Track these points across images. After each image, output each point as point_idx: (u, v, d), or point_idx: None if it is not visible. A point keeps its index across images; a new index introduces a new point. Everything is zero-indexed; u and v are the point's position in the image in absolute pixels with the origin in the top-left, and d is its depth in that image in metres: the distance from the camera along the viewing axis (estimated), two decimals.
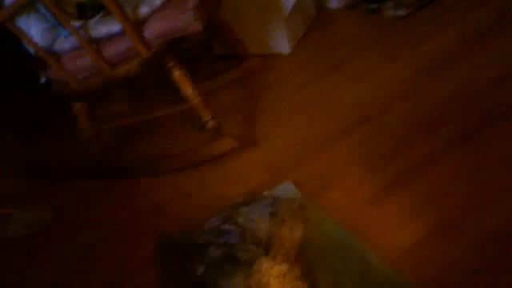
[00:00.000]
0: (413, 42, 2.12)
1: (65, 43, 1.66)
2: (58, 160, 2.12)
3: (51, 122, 2.40)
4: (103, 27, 1.62)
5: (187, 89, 1.69)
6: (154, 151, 2.02)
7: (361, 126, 1.77)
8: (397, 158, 1.59)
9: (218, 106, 1.95)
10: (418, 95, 1.82)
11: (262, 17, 2.30)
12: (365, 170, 1.59)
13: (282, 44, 2.35)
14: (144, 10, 1.60)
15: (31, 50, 1.67)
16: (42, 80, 1.78)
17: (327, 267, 1.28)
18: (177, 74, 1.67)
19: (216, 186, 1.74)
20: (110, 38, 1.61)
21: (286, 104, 2.04)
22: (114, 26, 1.59)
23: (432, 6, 2.30)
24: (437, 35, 2.11)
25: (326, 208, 1.48)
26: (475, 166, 1.48)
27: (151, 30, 1.57)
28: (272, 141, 1.86)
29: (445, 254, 1.26)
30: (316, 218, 1.42)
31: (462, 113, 1.68)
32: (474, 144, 1.55)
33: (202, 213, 1.52)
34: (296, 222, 1.28)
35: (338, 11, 2.59)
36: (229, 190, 1.69)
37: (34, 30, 1.64)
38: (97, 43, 1.62)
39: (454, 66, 1.90)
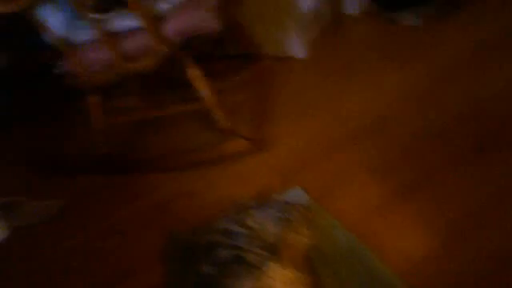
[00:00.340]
0: (428, 52, 2.11)
1: (82, 35, 1.66)
2: (69, 154, 2.12)
3: (64, 115, 2.39)
4: (122, 21, 1.62)
5: (202, 88, 1.69)
6: (163, 148, 2.02)
7: (372, 133, 1.77)
8: (408, 167, 1.59)
9: (228, 107, 1.94)
10: (431, 105, 1.82)
11: (277, 19, 2.29)
12: (376, 177, 1.59)
13: (296, 47, 2.34)
14: (164, 6, 1.60)
15: (48, 40, 1.67)
16: (57, 71, 1.78)
17: (334, 274, 1.28)
18: (193, 72, 1.67)
19: (223, 187, 1.73)
20: (129, 32, 1.61)
21: (297, 107, 2.03)
22: (133, 21, 1.58)
23: (451, 18, 2.29)
24: (453, 46, 2.10)
25: (335, 214, 1.47)
26: (488, 178, 1.47)
27: (171, 27, 1.57)
28: (282, 143, 1.86)
29: (455, 266, 1.25)
30: (325, 224, 1.42)
31: (475, 125, 1.67)
32: (487, 156, 1.54)
33: (209, 212, 1.53)
34: (304, 228, 1.28)
35: (354, 18, 2.58)
36: (237, 190, 1.68)
37: (52, 20, 1.64)
38: (115, 37, 1.62)
39: (468, 78, 1.89)
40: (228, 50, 2.40)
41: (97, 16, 1.64)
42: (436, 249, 1.31)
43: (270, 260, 1.17)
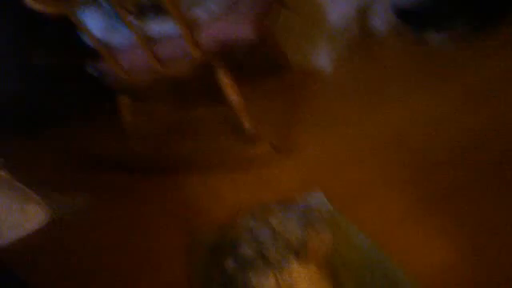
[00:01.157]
0: (457, 73, 2.10)
1: (121, 39, 1.73)
2: (99, 151, 2.18)
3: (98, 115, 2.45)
4: (159, 27, 1.68)
5: (232, 94, 1.74)
6: (191, 150, 2.06)
7: (396, 148, 1.78)
8: (430, 181, 1.60)
9: (255, 114, 1.98)
10: (456, 125, 1.83)
11: (307, 32, 2.34)
12: (397, 188, 1.60)
13: (323, 61, 2.39)
14: (201, 14, 1.66)
15: (88, 41, 1.74)
16: (93, 72, 1.85)
17: (353, 279, 1.30)
18: (224, 78, 1.73)
19: (247, 189, 1.77)
20: (165, 38, 1.68)
21: (322, 119, 2.06)
22: (170, 27, 1.65)
23: (484, 39, 2.26)
24: (484, 67, 2.08)
25: (355, 221, 1.50)
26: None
27: (207, 35, 1.63)
28: (306, 152, 1.89)
29: (475, 278, 1.26)
30: (345, 229, 1.44)
31: (499, 146, 1.68)
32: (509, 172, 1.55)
33: (232, 212, 1.56)
34: (327, 232, 1.31)
35: (383, 35, 2.60)
36: (260, 193, 1.72)
37: (92, 23, 1.72)
38: (151, 42, 1.68)
39: (496, 101, 1.88)
40: (259, 60, 2.46)
41: (136, 21, 1.71)
42: (458, 260, 1.31)
43: (293, 259, 1.21)
